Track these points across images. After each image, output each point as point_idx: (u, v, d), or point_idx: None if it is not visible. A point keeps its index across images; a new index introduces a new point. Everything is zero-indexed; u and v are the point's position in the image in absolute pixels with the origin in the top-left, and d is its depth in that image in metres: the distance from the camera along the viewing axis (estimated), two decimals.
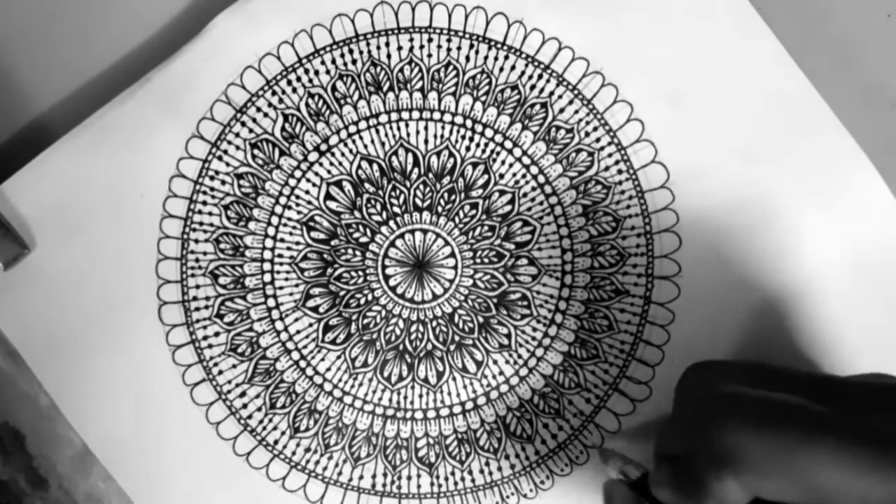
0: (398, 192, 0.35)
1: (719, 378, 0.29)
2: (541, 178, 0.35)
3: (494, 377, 0.35)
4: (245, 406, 0.35)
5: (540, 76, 0.35)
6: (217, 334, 0.35)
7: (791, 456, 0.25)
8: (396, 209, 0.35)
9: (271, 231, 0.35)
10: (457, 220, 0.35)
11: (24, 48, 0.35)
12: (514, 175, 0.35)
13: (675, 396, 0.31)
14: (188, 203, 0.35)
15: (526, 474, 0.35)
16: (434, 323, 0.35)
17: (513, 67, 0.35)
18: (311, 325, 0.35)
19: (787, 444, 0.25)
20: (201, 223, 0.35)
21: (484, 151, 0.35)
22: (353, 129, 0.35)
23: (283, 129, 0.35)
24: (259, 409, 0.35)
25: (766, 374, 0.29)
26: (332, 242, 0.35)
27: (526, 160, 0.35)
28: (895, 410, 0.26)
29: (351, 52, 0.34)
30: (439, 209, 0.35)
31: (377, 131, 0.35)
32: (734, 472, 0.26)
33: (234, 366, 0.35)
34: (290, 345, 0.35)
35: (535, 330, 0.35)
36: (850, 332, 0.34)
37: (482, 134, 0.35)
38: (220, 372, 0.35)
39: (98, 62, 0.35)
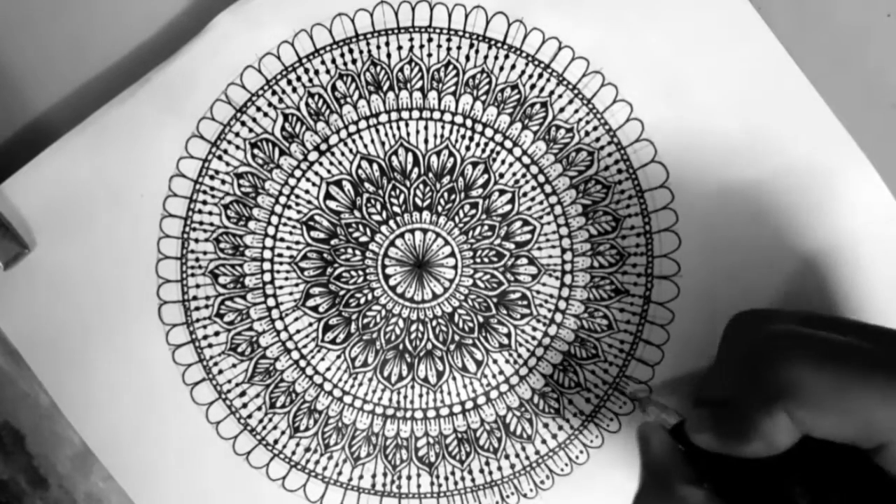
0: (398, 191, 0.35)
1: (773, 320, 0.29)
2: (541, 178, 0.35)
3: (494, 376, 0.35)
4: (245, 405, 0.35)
5: (540, 75, 0.35)
6: (217, 334, 0.35)
7: (848, 391, 0.25)
8: (396, 209, 0.35)
9: (271, 230, 0.35)
10: (457, 219, 0.35)
11: (24, 48, 0.35)
12: (514, 174, 0.35)
13: (722, 341, 0.31)
14: (188, 202, 0.35)
15: (526, 474, 0.35)
16: (434, 322, 0.35)
17: (513, 67, 0.35)
18: (310, 324, 0.35)
19: (844, 380, 0.25)
20: (201, 223, 0.35)
21: (484, 151, 0.35)
22: (352, 128, 0.35)
23: (283, 128, 0.35)
24: (259, 409, 0.35)
25: (817, 319, 0.29)
26: (332, 242, 0.35)
27: (526, 160, 0.35)
28: None
29: (351, 51, 0.34)
30: (439, 209, 0.35)
31: (377, 131, 0.35)
32: (788, 408, 0.26)
33: (234, 365, 0.35)
34: (289, 344, 0.35)
35: (534, 329, 0.35)
36: None
37: (482, 133, 0.35)
38: (220, 371, 0.35)
39: (98, 62, 0.35)
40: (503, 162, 0.35)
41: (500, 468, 0.35)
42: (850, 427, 0.25)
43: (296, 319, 0.35)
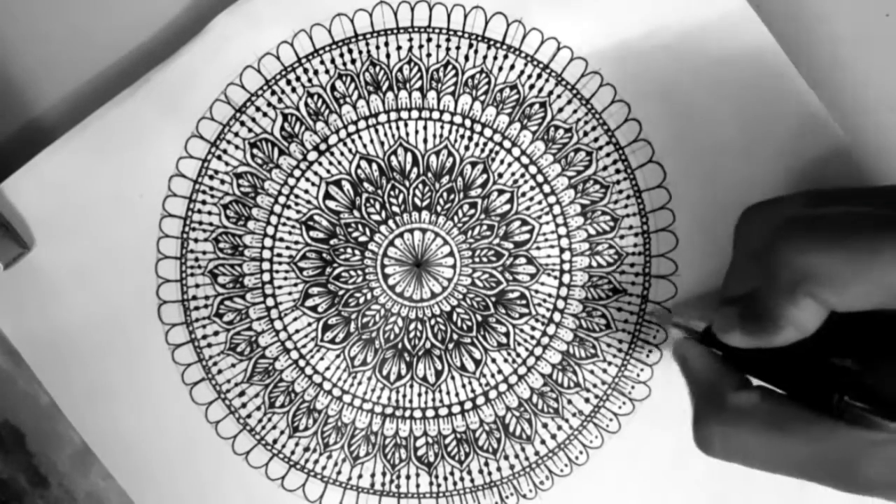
0: (397, 191, 0.35)
1: (781, 208, 0.29)
2: (539, 178, 0.35)
3: (493, 376, 0.35)
4: (244, 405, 0.35)
5: (539, 76, 0.35)
6: (216, 333, 0.35)
7: (864, 260, 0.25)
8: (395, 208, 0.35)
9: (270, 230, 0.35)
10: (455, 219, 0.35)
11: (24, 48, 0.35)
12: (513, 174, 0.35)
13: (735, 239, 0.31)
14: (188, 202, 0.35)
15: (525, 475, 0.35)
16: (433, 321, 0.35)
17: (512, 67, 0.35)
18: (309, 324, 0.35)
19: (858, 250, 0.25)
20: (200, 222, 0.35)
21: (483, 151, 0.35)
22: (352, 128, 0.35)
23: (282, 128, 0.35)
24: (258, 409, 0.35)
25: (825, 195, 0.29)
26: (332, 242, 0.35)
27: (524, 160, 0.35)
28: None
29: (350, 51, 0.35)
30: (438, 208, 0.35)
31: (376, 131, 0.35)
32: (811, 291, 0.26)
33: (234, 365, 0.35)
34: (289, 344, 0.35)
35: (533, 329, 0.35)
36: None
37: (481, 133, 0.35)
38: (220, 371, 0.35)
39: (98, 62, 0.35)
40: (502, 162, 0.35)
41: (499, 469, 0.35)
42: (874, 294, 0.25)
43: (295, 319, 0.35)
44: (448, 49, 0.35)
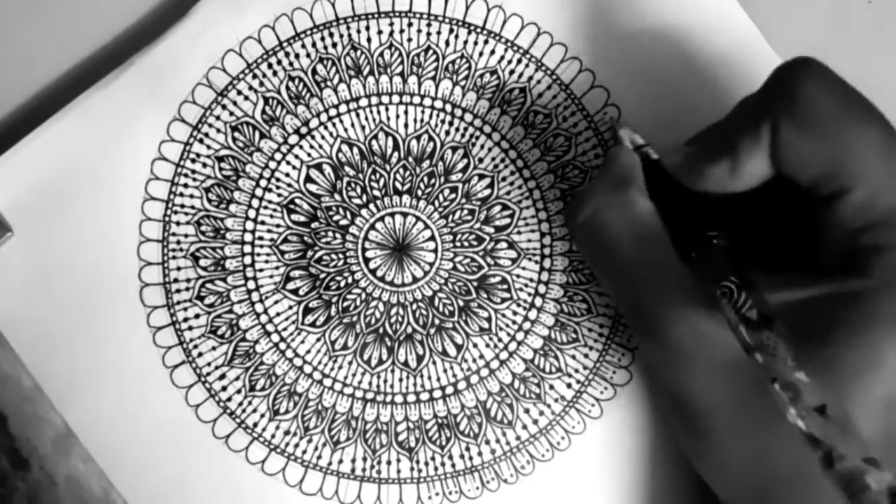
0: (378, 175, 0.35)
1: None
2: (519, 163, 0.35)
3: (475, 360, 0.35)
4: (224, 388, 0.35)
5: (519, 61, 0.35)
6: (197, 316, 0.35)
7: (841, 118, 0.26)
8: (376, 192, 0.35)
9: (252, 213, 0.35)
10: (436, 203, 0.35)
11: (5, 34, 0.36)
12: (493, 159, 0.35)
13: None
14: (170, 185, 0.35)
15: (507, 459, 0.35)
16: (414, 306, 0.35)
17: (492, 52, 0.35)
18: (290, 307, 0.35)
19: (844, 108, 0.26)
20: (182, 205, 0.35)
21: (463, 136, 0.35)
22: (333, 112, 0.35)
23: (263, 111, 0.35)
24: (238, 392, 0.35)
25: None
26: (313, 225, 0.35)
27: (505, 144, 0.35)
28: None
29: (331, 35, 0.35)
30: (419, 192, 0.35)
31: (357, 115, 0.35)
32: (778, 119, 0.27)
33: (214, 348, 0.35)
34: (269, 327, 0.35)
35: (515, 314, 0.35)
36: None
37: (461, 118, 0.35)
38: (200, 354, 0.35)
39: (81, 47, 0.36)
40: (482, 147, 0.35)
41: (480, 454, 0.35)
42: (823, 159, 0.26)
43: (276, 302, 0.35)
44: (429, 34, 0.35)
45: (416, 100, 0.35)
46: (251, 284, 0.35)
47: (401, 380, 0.35)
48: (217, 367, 0.35)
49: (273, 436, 0.35)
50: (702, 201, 0.29)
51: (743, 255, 0.28)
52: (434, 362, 0.35)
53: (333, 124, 0.35)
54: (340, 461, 0.35)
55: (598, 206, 0.30)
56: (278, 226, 0.35)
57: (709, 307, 0.27)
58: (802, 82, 0.27)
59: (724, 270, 0.27)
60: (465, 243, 0.35)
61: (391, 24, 0.35)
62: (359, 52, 0.35)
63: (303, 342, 0.35)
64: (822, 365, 0.25)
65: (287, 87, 0.35)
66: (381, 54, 0.35)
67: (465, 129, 0.35)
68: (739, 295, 0.26)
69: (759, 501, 0.29)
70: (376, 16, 0.35)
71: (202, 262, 0.35)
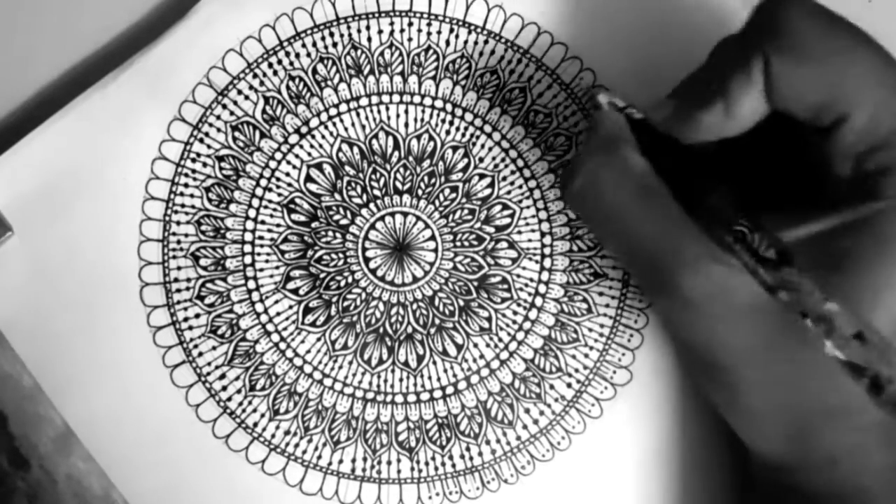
0: (378, 174, 0.35)
1: None
2: (520, 162, 0.35)
3: (475, 360, 0.35)
4: (224, 388, 0.35)
5: (519, 61, 0.35)
6: (198, 316, 0.35)
7: (833, 43, 0.26)
8: (377, 192, 0.35)
9: (252, 213, 0.35)
10: (437, 203, 0.35)
11: (6, 35, 0.36)
12: (494, 159, 0.35)
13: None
14: (170, 185, 0.35)
15: (507, 459, 0.35)
16: (414, 306, 0.35)
17: (492, 52, 0.35)
18: (291, 306, 0.35)
19: (834, 34, 0.26)
20: (183, 205, 0.35)
21: (464, 135, 0.35)
22: (333, 111, 0.35)
23: (263, 111, 0.35)
24: (238, 392, 0.35)
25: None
26: (313, 225, 0.35)
27: (505, 144, 0.35)
28: None
29: (332, 35, 0.35)
30: (419, 192, 0.35)
31: (357, 114, 0.35)
32: (769, 54, 0.26)
33: (214, 348, 0.35)
34: (269, 327, 0.35)
35: (515, 313, 0.35)
36: None
37: (462, 118, 0.35)
38: (200, 354, 0.35)
39: (81, 47, 0.36)
40: (483, 146, 0.35)
41: (480, 454, 0.35)
42: (819, 86, 0.26)
43: (276, 302, 0.35)
44: (429, 34, 0.35)
45: (417, 99, 0.35)
46: (251, 284, 0.35)
47: (401, 380, 0.35)
48: (217, 367, 0.35)
49: (273, 436, 0.35)
50: (695, 155, 0.29)
51: (748, 200, 0.27)
52: (434, 362, 0.35)
53: (334, 124, 0.35)
54: (340, 461, 0.35)
55: (591, 171, 0.29)
56: (278, 225, 0.35)
57: (722, 255, 0.27)
58: (789, 12, 0.27)
59: (732, 215, 0.26)
60: (466, 243, 0.35)
61: (391, 24, 0.35)
62: (359, 52, 0.35)
63: (303, 342, 0.35)
64: (846, 294, 0.25)
65: (287, 87, 0.35)
66: (382, 54, 0.35)
67: (466, 128, 0.35)
68: (753, 237, 0.25)
69: (800, 446, 0.28)
70: (377, 15, 0.35)
71: (202, 262, 0.35)
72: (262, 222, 0.35)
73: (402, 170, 0.35)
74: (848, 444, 0.28)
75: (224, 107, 0.35)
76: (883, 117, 0.26)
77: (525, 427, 0.35)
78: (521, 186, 0.35)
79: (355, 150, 0.35)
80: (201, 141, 0.35)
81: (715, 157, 0.29)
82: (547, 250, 0.35)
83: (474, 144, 0.35)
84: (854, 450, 0.28)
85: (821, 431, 0.28)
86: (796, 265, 0.24)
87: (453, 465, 0.35)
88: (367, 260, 0.35)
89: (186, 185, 0.35)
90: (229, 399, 0.35)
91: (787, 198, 0.30)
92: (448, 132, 0.35)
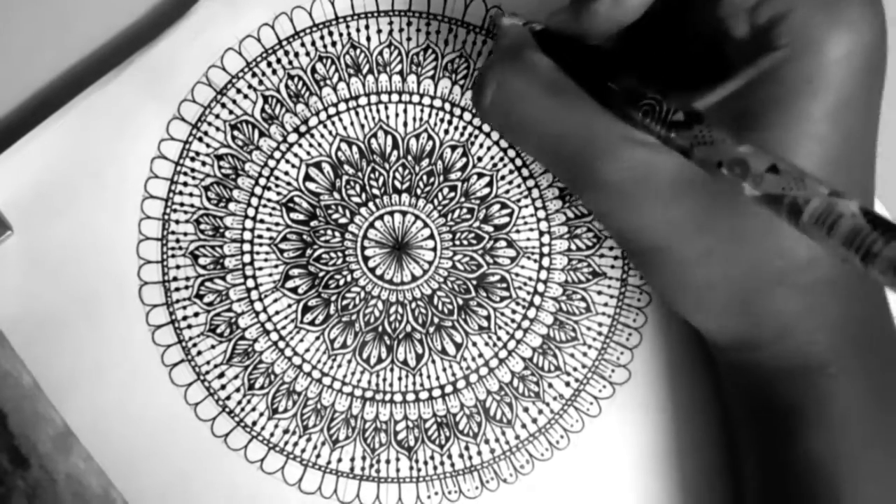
0: (377, 173, 0.35)
1: None
2: (518, 162, 0.35)
3: (474, 359, 0.35)
4: (223, 387, 0.35)
5: None
6: (196, 315, 0.35)
7: None
8: (376, 191, 0.35)
9: (251, 212, 0.35)
10: (436, 202, 0.35)
11: (5, 34, 0.36)
12: (492, 158, 0.35)
13: None
14: (169, 184, 0.35)
15: (506, 459, 0.35)
16: (413, 305, 0.35)
17: (490, 52, 0.35)
18: (289, 305, 0.35)
19: None
20: (182, 204, 0.35)
21: (462, 135, 0.35)
22: (332, 110, 0.35)
23: (262, 110, 0.35)
24: (237, 390, 0.35)
25: None
26: (312, 223, 0.35)
27: (503, 143, 0.35)
28: None
29: (331, 34, 0.35)
30: (418, 191, 0.35)
31: (356, 113, 0.35)
32: None
33: (213, 346, 0.35)
34: (268, 325, 0.35)
35: (514, 312, 0.35)
36: None
37: (460, 117, 0.35)
38: (199, 353, 0.35)
39: (81, 46, 0.36)
40: (481, 146, 0.35)
41: (479, 453, 0.35)
42: None
43: (275, 301, 0.35)
44: (428, 33, 0.35)
45: (416, 98, 0.35)
46: (250, 283, 0.35)
47: (400, 378, 0.35)
48: (216, 366, 0.35)
49: (272, 434, 0.35)
50: (600, 57, 0.29)
51: (655, 86, 0.27)
52: (433, 361, 0.35)
53: (333, 123, 0.35)
54: (339, 460, 0.35)
55: (500, 80, 0.28)
56: (277, 224, 0.35)
57: (637, 136, 0.27)
58: None
59: (640, 94, 0.26)
60: (465, 242, 0.35)
61: (390, 23, 0.35)
62: (358, 51, 0.35)
63: (302, 340, 0.35)
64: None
65: (286, 86, 0.35)
66: (381, 53, 0.35)
67: (464, 127, 0.35)
68: (661, 106, 0.25)
69: (749, 319, 0.28)
70: (376, 14, 0.35)
71: (201, 261, 0.35)
72: (262, 221, 0.35)
73: (400, 169, 0.35)
74: (797, 308, 0.28)
75: (223, 106, 0.35)
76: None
77: (524, 426, 0.35)
78: (519, 185, 0.35)
79: (354, 149, 0.35)
80: (200, 140, 0.35)
81: (620, 55, 0.29)
82: (545, 249, 0.35)
83: (473, 144, 0.35)
84: (805, 314, 0.28)
85: (767, 300, 0.27)
86: (706, 121, 0.24)
87: (452, 465, 0.35)
88: (366, 259, 0.35)
89: (185, 184, 0.35)
90: (228, 398, 0.35)
91: (694, 81, 0.29)
92: (447, 131, 0.35)
